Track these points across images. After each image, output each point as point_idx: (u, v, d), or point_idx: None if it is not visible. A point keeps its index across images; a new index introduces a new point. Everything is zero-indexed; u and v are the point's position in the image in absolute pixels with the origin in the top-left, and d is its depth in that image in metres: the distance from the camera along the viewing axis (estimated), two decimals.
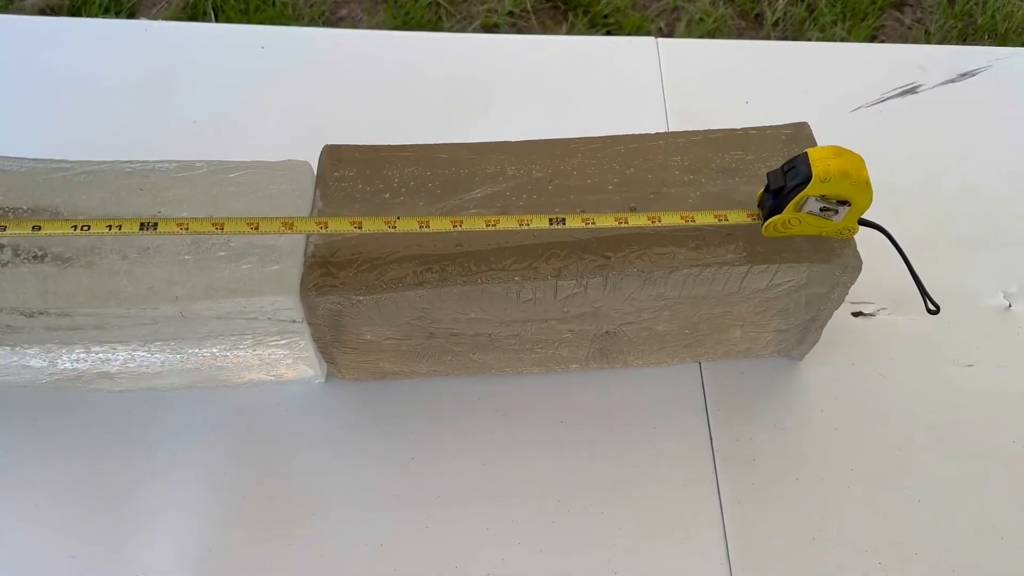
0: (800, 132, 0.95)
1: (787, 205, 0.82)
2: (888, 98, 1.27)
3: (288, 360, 0.94)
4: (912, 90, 1.27)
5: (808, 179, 0.80)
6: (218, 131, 1.18)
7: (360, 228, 0.83)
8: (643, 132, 0.95)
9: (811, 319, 0.94)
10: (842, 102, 1.24)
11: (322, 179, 0.84)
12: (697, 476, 0.93)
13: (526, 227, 0.85)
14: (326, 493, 0.87)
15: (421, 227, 0.84)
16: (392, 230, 0.84)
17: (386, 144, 0.88)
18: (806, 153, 0.81)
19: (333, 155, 0.87)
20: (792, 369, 1.02)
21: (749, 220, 0.85)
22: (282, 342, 0.89)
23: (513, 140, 0.94)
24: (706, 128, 0.95)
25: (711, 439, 0.97)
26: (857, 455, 0.94)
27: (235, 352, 0.91)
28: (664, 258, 0.84)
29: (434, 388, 0.98)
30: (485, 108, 1.21)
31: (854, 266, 0.86)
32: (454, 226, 0.85)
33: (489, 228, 0.84)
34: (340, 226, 0.84)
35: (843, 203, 0.82)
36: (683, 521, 0.90)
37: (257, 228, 0.82)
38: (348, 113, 1.20)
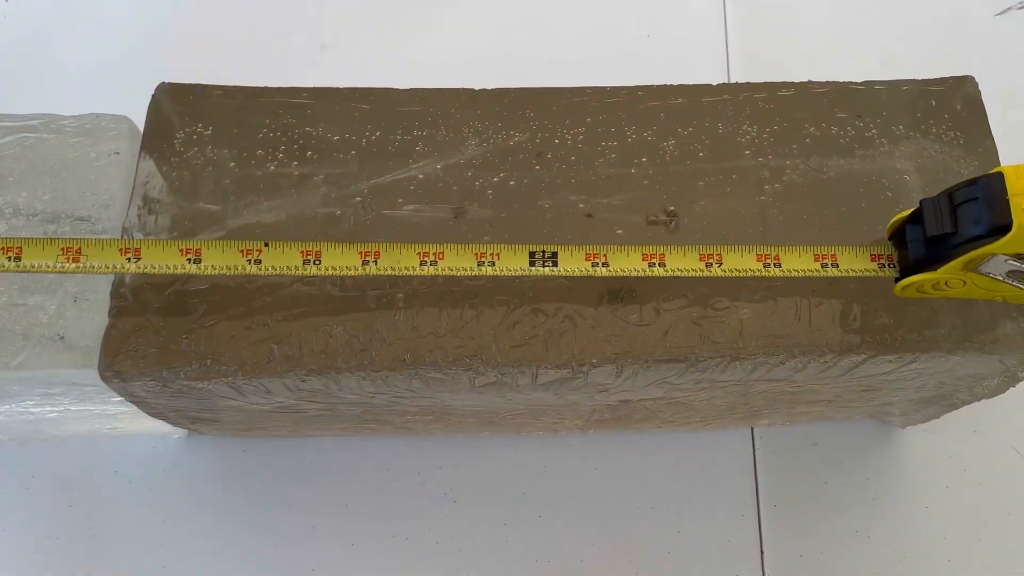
0: (958, 92, 0.56)
1: (952, 260, 0.44)
2: None
3: (128, 416, 0.59)
4: None
5: (1003, 228, 0.42)
6: None
7: (198, 262, 0.46)
8: (692, 82, 0.55)
9: (941, 396, 0.57)
10: (982, 2, 0.81)
11: (153, 143, 0.55)
12: None
13: (488, 266, 0.48)
14: None
15: (306, 262, 0.47)
16: (255, 269, 0.46)
17: (265, 86, 0.58)
18: (1000, 175, 0.43)
19: (176, 100, 0.57)
20: (888, 439, 0.67)
21: (874, 269, 0.48)
22: (116, 399, 0.55)
23: (480, 87, 0.59)
24: (791, 80, 0.57)
25: (761, 553, 0.63)
26: None
27: (51, 407, 0.56)
28: (717, 337, 0.48)
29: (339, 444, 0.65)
30: (435, 21, 0.78)
31: None
32: (363, 262, 0.48)
33: (425, 271, 0.47)
34: (163, 257, 0.47)
35: None
36: None
37: (19, 256, 0.45)
38: (200, 30, 0.78)
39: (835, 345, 0.50)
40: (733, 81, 0.59)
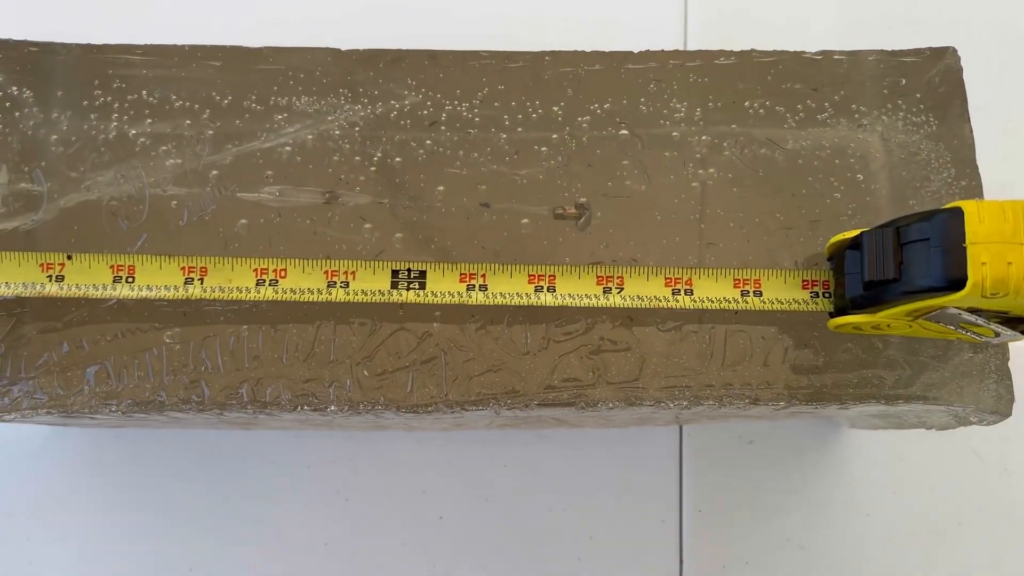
0: (935, 66, 0.47)
1: (895, 307, 0.36)
2: None
3: None
4: None
5: (957, 283, 0.34)
6: None
7: None
8: (617, 49, 0.46)
9: (886, 418, 0.50)
10: None
11: None
12: None
13: (340, 288, 0.40)
14: None
15: (116, 280, 0.39)
16: (56, 289, 0.39)
17: (102, 43, 0.49)
18: (959, 212, 0.34)
19: None
20: (831, 438, 0.60)
21: (804, 300, 0.40)
22: None
23: (350, 47, 0.49)
24: (745, 48, 0.47)
25: (680, 562, 0.58)
26: None
27: None
28: (613, 375, 0.42)
29: (221, 435, 0.59)
30: None
31: (1002, 410, 0.41)
32: (186, 280, 0.40)
33: (262, 294, 0.40)
34: None
35: (1018, 321, 0.36)
36: None
37: None
38: None
39: (751, 390, 0.42)
40: (684, 47, 0.48)
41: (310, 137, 0.46)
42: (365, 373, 0.43)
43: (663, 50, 0.48)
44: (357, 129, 0.46)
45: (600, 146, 0.46)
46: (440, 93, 0.47)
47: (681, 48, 0.57)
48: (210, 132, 0.46)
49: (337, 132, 0.46)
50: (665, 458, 0.62)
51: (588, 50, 0.47)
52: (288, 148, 0.46)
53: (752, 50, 0.47)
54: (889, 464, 0.63)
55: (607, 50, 0.47)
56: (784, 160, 0.46)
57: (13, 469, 0.61)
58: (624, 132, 0.47)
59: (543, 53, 0.47)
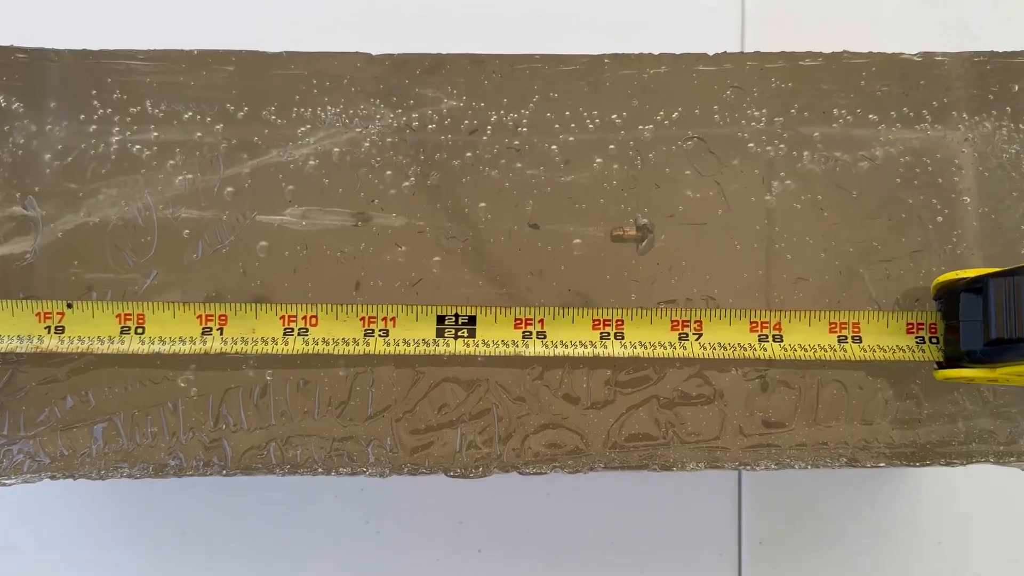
0: None
1: (1021, 365, 0.31)
2: None
3: None
4: None
5: None
6: None
7: None
8: (681, 51, 0.40)
9: None
10: None
11: None
12: None
13: (379, 337, 0.35)
14: None
15: (124, 331, 0.34)
16: (56, 344, 0.34)
17: (99, 47, 0.43)
18: None
19: None
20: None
21: (909, 347, 0.35)
22: None
23: (383, 51, 0.43)
24: (814, 51, 0.42)
25: None
26: None
27: None
28: (689, 431, 0.37)
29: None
30: None
31: None
32: (203, 331, 0.35)
33: (290, 346, 0.36)
34: None
35: None
36: None
37: None
38: None
39: (847, 449, 0.38)
40: (745, 50, 0.42)
41: (337, 151, 0.41)
42: (407, 430, 0.38)
43: (742, 52, 0.41)
44: (390, 142, 0.41)
45: (666, 160, 0.41)
46: (484, 102, 0.42)
47: (738, 46, 0.51)
48: (224, 147, 0.41)
49: (367, 145, 0.41)
50: (723, 485, 0.58)
51: (655, 53, 0.41)
52: (313, 164, 0.41)
53: (844, 51, 0.41)
54: (962, 488, 0.59)
55: (676, 52, 0.41)
56: (879, 178, 0.40)
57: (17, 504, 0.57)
58: (694, 144, 0.41)
59: (602, 56, 0.41)
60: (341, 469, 0.38)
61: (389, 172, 0.41)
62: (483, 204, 0.41)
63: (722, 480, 0.58)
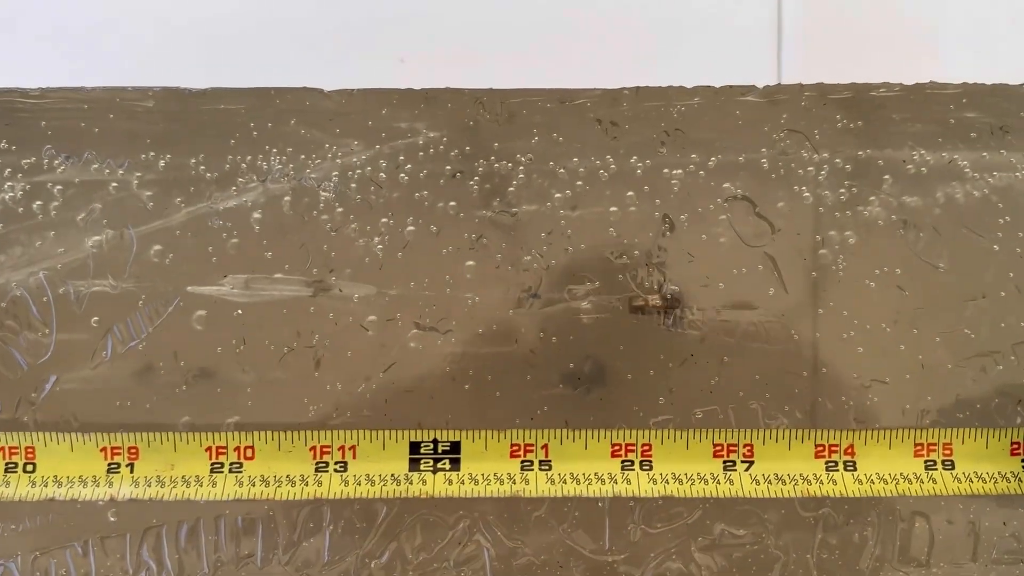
0: None
1: None
2: None
3: None
4: None
5: None
6: None
7: None
8: (714, 83, 0.30)
9: None
10: None
11: None
12: None
13: (335, 472, 0.27)
14: None
15: (23, 470, 0.26)
16: None
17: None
18: None
19: None
20: None
21: (1016, 473, 0.27)
22: None
23: (341, 86, 0.34)
24: (875, 81, 0.33)
25: None
26: None
27: None
28: None
29: None
30: None
31: None
32: (109, 467, 0.27)
33: (217, 490, 0.28)
34: None
35: None
36: None
37: None
38: None
39: None
40: (782, 81, 0.33)
41: (287, 202, 0.32)
42: None
43: (800, 83, 0.32)
44: (354, 193, 0.32)
45: (700, 217, 0.32)
46: (470, 144, 0.33)
47: (775, 77, 0.41)
48: (145, 204, 0.32)
49: (324, 197, 0.32)
50: None
51: (690, 86, 0.32)
52: (257, 218, 0.32)
53: (930, 82, 0.32)
54: None
55: (713, 84, 0.32)
56: (970, 244, 0.32)
57: None
58: (737, 199, 0.32)
59: (620, 89, 0.32)
60: None
61: (353, 227, 0.32)
62: (470, 263, 0.32)
63: None
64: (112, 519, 0.31)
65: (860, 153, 0.33)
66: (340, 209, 0.32)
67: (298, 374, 0.31)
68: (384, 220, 0.32)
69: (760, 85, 0.33)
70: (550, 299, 0.32)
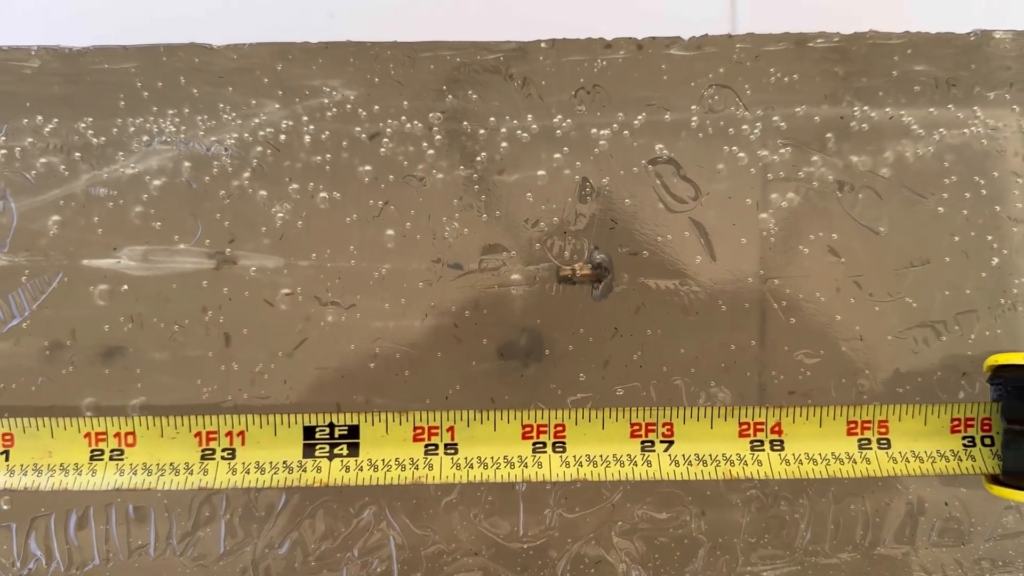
0: None
1: None
2: None
3: None
4: None
5: None
6: None
7: None
8: (653, 35, 0.30)
9: None
10: None
11: None
12: None
13: (223, 460, 0.25)
14: None
15: None
16: None
17: None
18: None
19: None
20: None
21: (953, 453, 0.26)
22: None
23: (233, 41, 0.32)
24: (812, 31, 0.31)
25: None
26: None
27: None
28: None
29: None
30: None
31: None
32: (7, 467, 0.25)
33: (127, 481, 0.27)
34: None
35: None
36: None
37: None
38: None
39: None
40: (736, 31, 0.31)
41: (181, 168, 0.30)
42: (274, 572, 0.28)
43: (729, 34, 0.30)
44: (251, 157, 0.30)
45: (626, 181, 0.30)
46: (379, 103, 0.30)
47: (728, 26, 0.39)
48: (32, 173, 0.30)
49: (219, 162, 0.30)
50: None
51: (611, 38, 0.30)
52: (151, 185, 0.30)
53: (869, 31, 0.30)
54: None
55: (637, 36, 0.30)
56: (912, 203, 0.30)
57: None
58: (665, 161, 0.30)
59: (538, 42, 0.30)
60: None
61: (263, 193, 0.30)
62: (390, 232, 0.30)
63: None
64: (5, 507, 0.29)
65: (797, 110, 0.30)
66: (236, 174, 0.30)
67: (192, 352, 0.29)
68: (284, 186, 0.30)
69: (685, 37, 0.30)
70: (462, 269, 0.30)
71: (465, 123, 0.31)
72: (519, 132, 0.30)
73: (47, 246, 0.30)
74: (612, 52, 0.31)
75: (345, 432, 0.27)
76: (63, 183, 0.30)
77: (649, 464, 0.27)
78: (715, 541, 0.29)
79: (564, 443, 0.27)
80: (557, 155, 0.30)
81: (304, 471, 0.27)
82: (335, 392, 0.29)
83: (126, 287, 0.30)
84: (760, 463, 0.27)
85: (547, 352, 0.30)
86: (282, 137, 0.30)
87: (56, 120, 0.30)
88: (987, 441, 0.28)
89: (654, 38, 0.31)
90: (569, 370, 0.29)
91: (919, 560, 0.29)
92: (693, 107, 0.31)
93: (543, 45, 0.31)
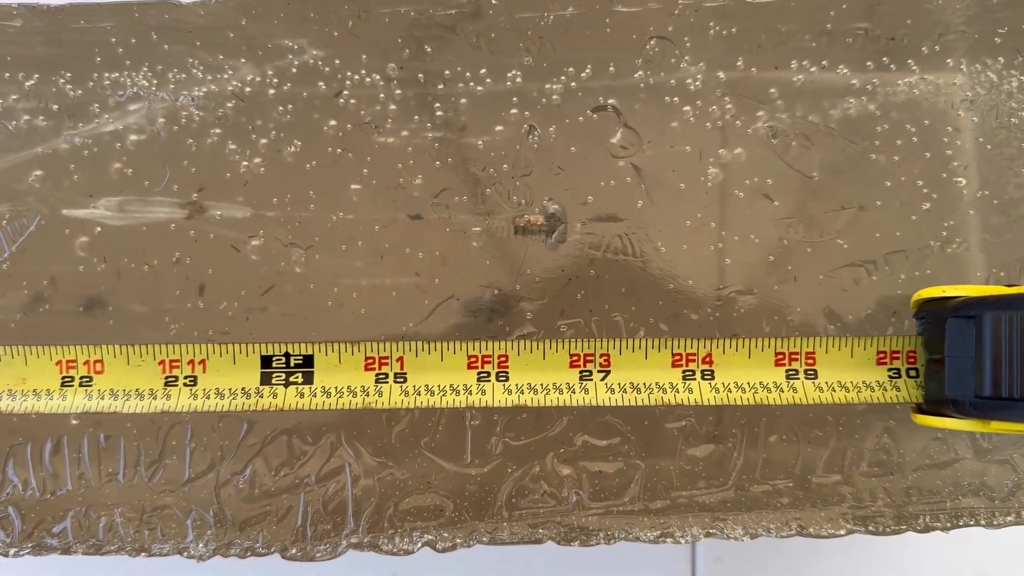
0: None
1: (1018, 423, 0.22)
2: None
3: None
4: None
5: None
6: None
7: None
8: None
9: None
10: None
11: None
12: None
13: (184, 387, 0.27)
14: None
15: None
16: None
17: None
18: None
19: None
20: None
21: (879, 384, 0.27)
22: None
23: None
24: None
25: None
26: None
27: None
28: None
29: None
30: None
31: None
32: None
33: (96, 405, 0.29)
34: None
35: None
36: None
37: None
38: None
39: (798, 512, 0.30)
40: None
41: (161, 122, 0.32)
42: (237, 497, 0.30)
43: None
44: (217, 109, 0.32)
45: (575, 133, 0.32)
46: (340, 58, 0.32)
47: None
48: (6, 125, 0.32)
49: (187, 114, 0.32)
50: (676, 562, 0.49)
51: None
52: (125, 138, 0.32)
53: None
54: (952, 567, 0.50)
55: None
56: (848, 152, 0.31)
57: None
58: (611, 112, 0.32)
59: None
60: (154, 548, 0.30)
61: (232, 146, 0.32)
62: (355, 186, 0.32)
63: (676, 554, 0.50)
64: None
65: (737, 63, 0.32)
66: (205, 127, 0.32)
67: (162, 296, 0.31)
68: (249, 137, 0.32)
69: None
70: (418, 215, 0.32)
71: (420, 75, 0.32)
72: (473, 85, 0.32)
73: (29, 195, 0.32)
74: (560, 7, 0.32)
75: (300, 361, 0.29)
76: (41, 137, 0.33)
77: (587, 392, 0.29)
78: (652, 467, 0.31)
79: (507, 372, 0.29)
80: (509, 107, 0.32)
81: (261, 397, 0.29)
82: (294, 330, 0.31)
83: (99, 230, 0.32)
84: (691, 391, 0.29)
85: (496, 291, 0.32)
86: (247, 90, 0.32)
87: (36, 76, 0.32)
88: (912, 373, 0.29)
89: None
90: (517, 309, 0.31)
91: (852, 489, 0.31)
92: (637, 61, 0.32)
93: (495, 1, 0.33)
